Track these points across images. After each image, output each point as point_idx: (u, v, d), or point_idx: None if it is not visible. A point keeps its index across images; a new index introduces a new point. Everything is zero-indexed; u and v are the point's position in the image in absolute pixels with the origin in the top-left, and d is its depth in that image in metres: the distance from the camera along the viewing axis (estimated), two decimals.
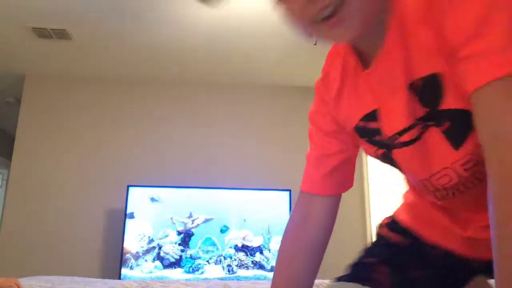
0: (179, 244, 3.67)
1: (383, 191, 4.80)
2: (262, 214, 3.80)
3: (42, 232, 3.95)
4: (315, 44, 2.73)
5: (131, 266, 3.57)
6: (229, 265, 3.65)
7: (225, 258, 3.67)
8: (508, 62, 0.57)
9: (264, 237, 3.74)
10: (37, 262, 3.83)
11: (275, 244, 3.72)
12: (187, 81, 4.42)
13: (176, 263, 3.62)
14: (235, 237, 3.72)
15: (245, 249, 3.71)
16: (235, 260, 3.67)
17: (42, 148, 4.16)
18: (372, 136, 0.85)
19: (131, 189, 3.78)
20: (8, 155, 4.33)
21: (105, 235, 3.98)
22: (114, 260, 3.78)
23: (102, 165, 4.17)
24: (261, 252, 3.71)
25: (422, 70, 0.71)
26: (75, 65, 4.15)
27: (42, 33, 3.54)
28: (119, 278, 3.50)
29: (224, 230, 3.73)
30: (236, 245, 3.71)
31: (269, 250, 3.72)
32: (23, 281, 1.69)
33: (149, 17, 3.33)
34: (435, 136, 0.76)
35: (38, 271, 3.12)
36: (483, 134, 0.60)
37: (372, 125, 0.83)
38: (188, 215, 3.72)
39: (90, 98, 4.34)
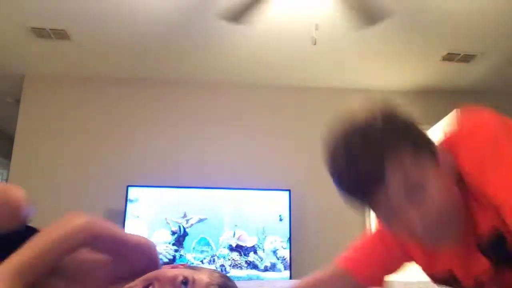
0: (173, 244, 3.66)
1: None
2: (257, 214, 3.77)
3: None
4: (314, 44, 2.76)
5: None
6: (222, 265, 3.61)
7: (218, 258, 3.64)
8: None
9: (258, 237, 3.73)
10: None
11: (269, 244, 3.70)
12: (183, 82, 4.41)
13: (170, 263, 3.63)
14: (229, 237, 3.70)
15: (239, 249, 3.68)
16: (229, 260, 3.65)
17: (41, 148, 4.17)
18: (445, 282, 1.00)
19: (130, 189, 3.80)
20: (8, 155, 4.34)
21: None
22: None
23: (102, 165, 4.16)
24: (255, 252, 3.68)
25: (485, 227, 0.85)
26: (74, 65, 4.17)
27: (41, 33, 3.56)
28: None
29: (218, 230, 3.73)
30: (230, 245, 3.68)
31: (263, 250, 3.69)
32: None
33: (147, 17, 3.35)
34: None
35: None
36: None
37: (448, 279, 0.97)
38: (182, 215, 3.72)
39: (89, 98, 4.34)
